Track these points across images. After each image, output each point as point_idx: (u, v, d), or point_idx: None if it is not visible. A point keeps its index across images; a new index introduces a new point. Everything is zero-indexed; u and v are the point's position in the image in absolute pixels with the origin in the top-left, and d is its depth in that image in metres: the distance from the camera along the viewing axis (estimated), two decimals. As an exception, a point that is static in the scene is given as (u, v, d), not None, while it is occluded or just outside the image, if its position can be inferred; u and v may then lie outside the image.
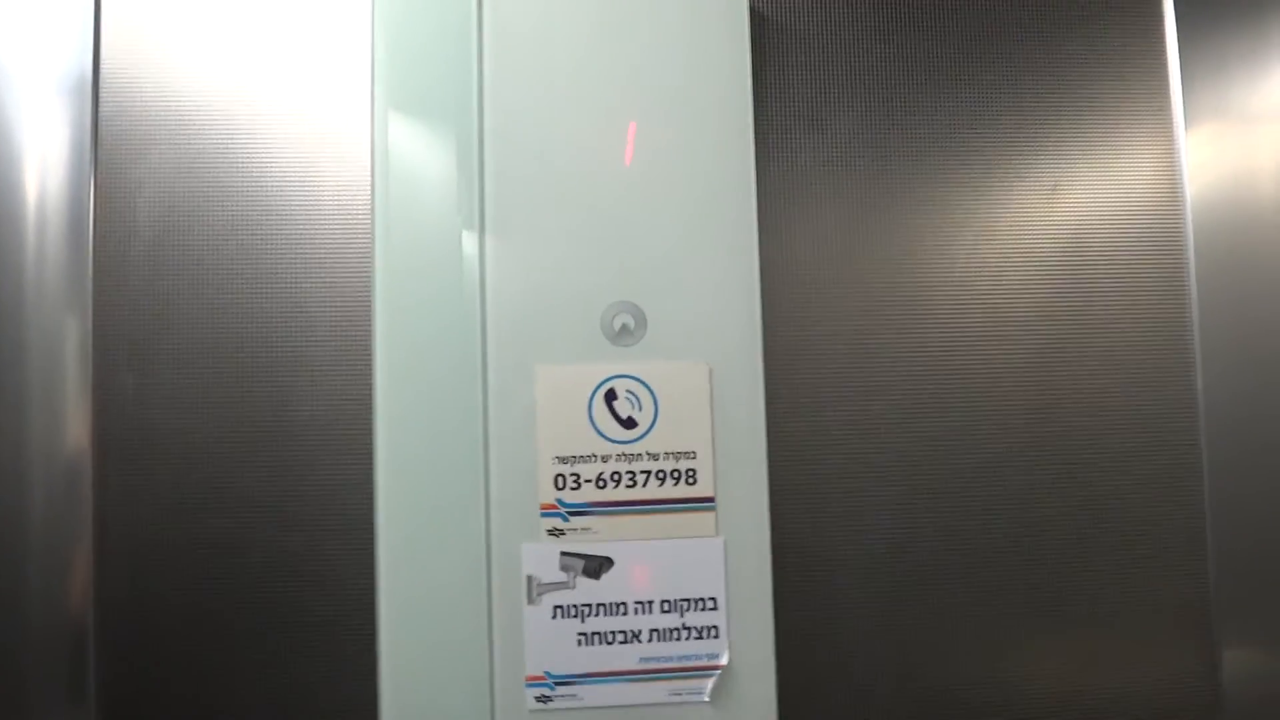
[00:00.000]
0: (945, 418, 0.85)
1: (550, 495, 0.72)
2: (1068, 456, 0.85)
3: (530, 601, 0.70)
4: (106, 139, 0.81)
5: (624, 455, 0.72)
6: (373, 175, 0.76)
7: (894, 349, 0.85)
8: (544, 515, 0.71)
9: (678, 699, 0.71)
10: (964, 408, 0.85)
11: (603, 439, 0.72)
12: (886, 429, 0.84)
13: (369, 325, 0.75)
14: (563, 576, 0.71)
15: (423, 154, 0.77)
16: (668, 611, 0.71)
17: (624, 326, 0.73)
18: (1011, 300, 0.86)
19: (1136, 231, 0.86)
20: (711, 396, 0.72)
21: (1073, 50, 0.88)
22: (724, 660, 0.71)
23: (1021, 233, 0.86)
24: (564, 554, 0.71)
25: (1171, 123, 0.86)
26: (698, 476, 0.72)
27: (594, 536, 0.71)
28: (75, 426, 0.79)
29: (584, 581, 0.71)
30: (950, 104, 0.86)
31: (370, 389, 0.72)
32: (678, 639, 0.71)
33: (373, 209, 0.76)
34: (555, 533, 0.72)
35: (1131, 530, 0.84)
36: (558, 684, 0.70)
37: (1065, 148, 0.87)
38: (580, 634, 0.71)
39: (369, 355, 0.74)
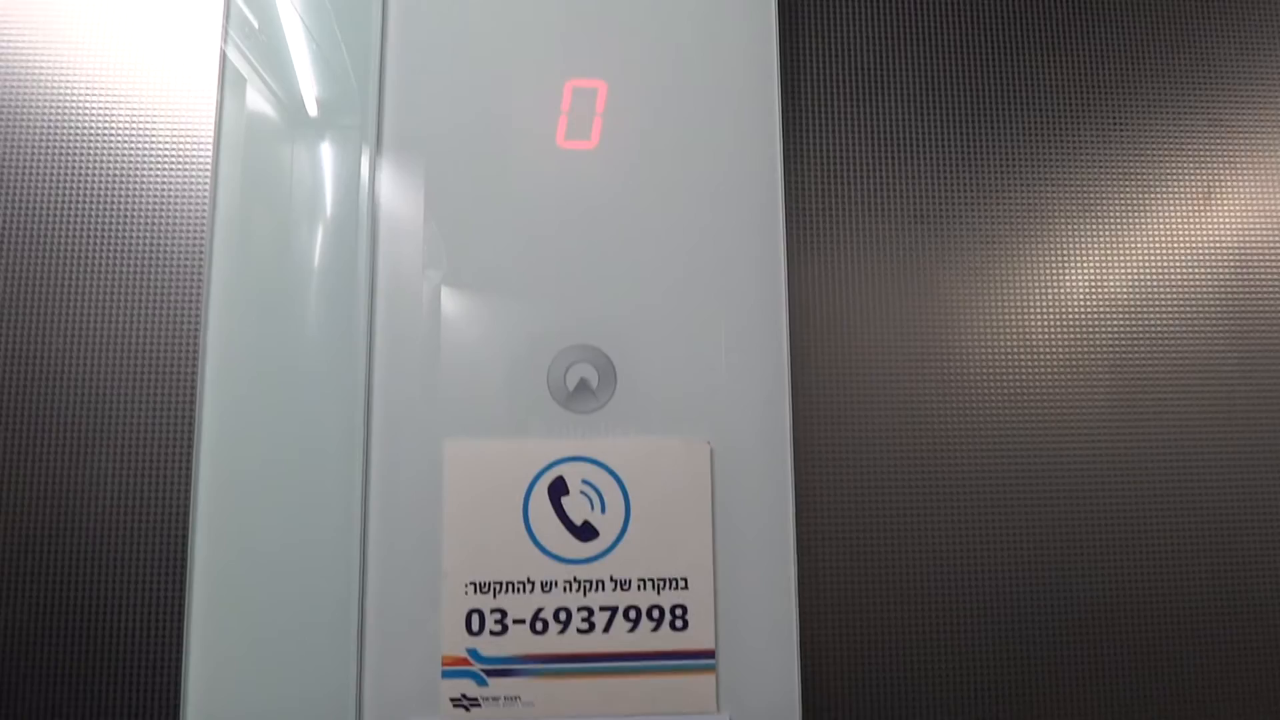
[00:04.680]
0: (1065, 525, 0.62)
1: (459, 643, 0.52)
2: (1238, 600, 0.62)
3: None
4: None
5: (576, 582, 0.53)
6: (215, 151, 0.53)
7: (977, 430, 0.63)
8: (447, 675, 0.52)
9: None
10: (1091, 514, 0.63)
11: (544, 555, 0.53)
12: (972, 543, 0.61)
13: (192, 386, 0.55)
14: (473, 776, 0.51)
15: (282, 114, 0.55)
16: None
17: (583, 383, 0.55)
18: (1150, 360, 0.65)
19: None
20: (713, 491, 0.54)
21: (1224, 11, 0.69)
22: None
23: (1160, 262, 0.66)
24: (477, 738, 0.51)
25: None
26: (690, 616, 0.53)
27: (526, 710, 0.52)
28: None
29: (507, 785, 0.51)
30: (1050, 83, 0.66)
31: (187, 462, 0.53)
32: None
33: (212, 202, 0.53)
34: (464, 704, 0.51)
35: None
36: None
37: (1220, 142, 0.68)
38: None
39: (189, 414, 0.55)
